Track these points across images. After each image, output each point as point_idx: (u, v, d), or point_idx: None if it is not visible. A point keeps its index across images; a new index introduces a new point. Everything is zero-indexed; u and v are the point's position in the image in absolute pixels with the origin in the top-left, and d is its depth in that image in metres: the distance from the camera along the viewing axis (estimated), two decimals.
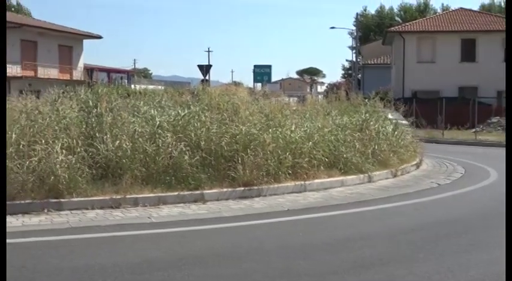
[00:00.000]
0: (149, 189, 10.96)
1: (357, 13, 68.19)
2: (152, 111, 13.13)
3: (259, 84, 43.57)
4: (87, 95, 13.63)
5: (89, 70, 54.32)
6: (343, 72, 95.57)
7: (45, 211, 9.90)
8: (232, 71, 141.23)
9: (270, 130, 12.97)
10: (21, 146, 10.55)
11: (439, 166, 17.81)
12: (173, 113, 13.09)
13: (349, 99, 19.36)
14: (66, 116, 12.03)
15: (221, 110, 13.86)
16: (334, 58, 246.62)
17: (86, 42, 55.36)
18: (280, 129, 13.18)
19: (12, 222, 9.25)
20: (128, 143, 11.33)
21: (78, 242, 8.23)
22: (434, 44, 46.74)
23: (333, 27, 73.29)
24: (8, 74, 44.31)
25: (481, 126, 35.68)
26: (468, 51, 45.96)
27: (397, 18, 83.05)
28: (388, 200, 11.94)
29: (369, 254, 7.59)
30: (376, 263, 7.13)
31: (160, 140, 11.67)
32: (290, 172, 12.49)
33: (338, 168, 13.68)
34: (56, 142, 10.77)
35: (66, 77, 50.04)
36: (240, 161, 11.84)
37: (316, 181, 12.85)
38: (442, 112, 34.87)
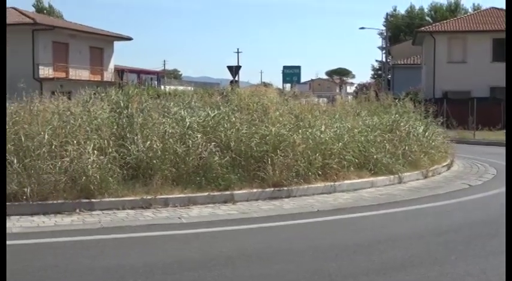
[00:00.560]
0: (179, 189, 11.00)
1: (386, 13, 67.73)
2: (182, 112, 13.17)
3: (288, 85, 43.44)
4: (118, 96, 13.69)
5: (120, 71, 54.80)
6: (372, 72, 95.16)
7: (77, 211, 9.99)
8: (261, 72, 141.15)
9: (300, 131, 12.94)
10: (53, 146, 10.65)
11: (471, 167, 17.61)
12: (203, 114, 13.13)
13: (379, 100, 19.24)
14: (98, 117, 12.11)
15: (251, 111, 13.85)
16: (363, 58, 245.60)
17: (117, 43, 55.79)
18: (310, 130, 13.14)
19: (45, 222, 9.38)
20: (158, 144, 11.38)
21: (110, 242, 8.30)
22: (465, 44, 46.22)
23: (362, 28, 73.29)
24: (40, 76, 44.93)
25: None
26: (500, 51, 45.29)
27: (427, 18, 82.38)
28: (419, 201, 11.83)
29: (399, 255, 7.53)
30: (407, 265, 7.06)
31: (190, 141, 11.71)
32: (320, 172, 12.45)
33: (368, 169, 13.61)
34: (88, 142, 10.86)
35: (97, 78, 50.44)
36: (269, 162, 11.82)
37: (346, 181, 12.79)
38: (473, 113, 34.49)
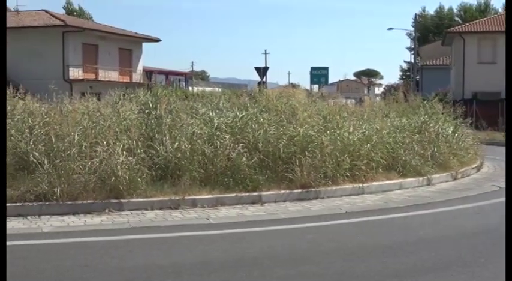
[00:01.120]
0: (207, 190, 11.03)
1: (415, 14, 67.21)
2: (210, 113, 13.23)
3: (316, 86, 43.31)
4: (147, 97, 13.80)
5: (148, 73, 55.08)
6: (401, 73, 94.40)
7: (106, 211, 10.07)
8: (289, 73, 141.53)
9: (328, 132, 12.90)
10: (83, 147, 10.76)
11: (501, 169, 17.39)
12: (231, 115, 13.16)
13: (408, 101, 19.11)
14: (127, 118, 12.21)
15: (279, 112, 13.85)
16: (391, 60, 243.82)
17: (145, 45, 56.07)
18: (338, 132, 13.09)
19: (75, 222, 9.47)
20: (186, 145, 11.43)
21: (138, 242, 8.34)
22: (495, 44, 45.64)
23: (390, 29, 72.28)
24: (70, 77, 45.36)
25: None
26: None
27: (456, 19, 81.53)
28: (448, 203, 11.72)
29: (429, 257, 7.46)
30: (437, 267, 7.00)
31: (218, 142, 11.74)
32: (348, 174, 12.39)
33: (397, 170, 13.52)
34: (117, 143, 10.94)
35: (126, 79, 50.77)
36: (297, 163, 11.80)
37: (375, 183, 12.72)
38: (503, 114, 34.05)
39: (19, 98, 12.99)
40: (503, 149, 25.23)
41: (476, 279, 6.56)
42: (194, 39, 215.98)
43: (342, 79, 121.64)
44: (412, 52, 63.23)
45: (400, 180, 13.28)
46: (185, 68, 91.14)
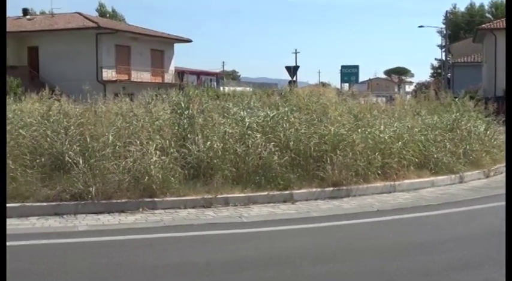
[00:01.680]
0: (239, 189, 11.05)
1: (446, 11, 66.72)
2: (241, 112, 13.23)
3: (346, 85, 43.13)
4: (179, 98, 13.84)
5: (180, 73, 55.36)
6: (431, 71, 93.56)
7: (140, 209, 10.13)
8: (319, 72, 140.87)
9: (359, 130, 12.84)
10: (117, 147, 10.84)
11: None
12: (262, 114, 13.15)
13: (439, 99, 18.91)
14: (159, 118, 12.30)
15: (309, 111, 13.82)
16: (422, 57, 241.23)
17: (177, 46, 56.38)
18: (369, 130, 13.02)
19: (110, 220, 9.56)
20: (218, 144, 11.46)
21: (172, 241, 8.40)
22: None
23: (421, 26, 71.56)
24: (103, 78, 45.80)
25: None
26: None
27: (488, 15, 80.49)
28: (481, 201, 11.58)
29: (461, 256, 7.39)
30: (470, 266, 6.93)
31: (250, 141, 11.75)
32: (379, 172, 12.32)
33: (428, 168, 13.40)
34: (150, 143, 11.01)
35: (158, 80, 51.12)
36: (329, 161, 11.77)
37: (406, 181, 12.62)
38: None
39: (55, 99, 13.15)
40: None
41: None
42: (225, 40, 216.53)
43: (372, 77, 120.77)
44: (443, 49, 62.72)
45: (431, 178, 13.16)
46: (216, 68, 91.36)
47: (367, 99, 18.56)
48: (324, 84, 29.57)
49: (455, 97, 18.56)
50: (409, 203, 11.22)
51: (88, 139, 11.00)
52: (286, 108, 13.62)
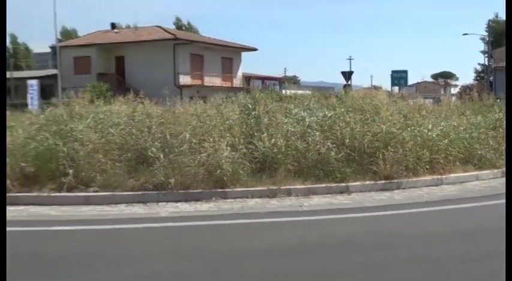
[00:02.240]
0: (300, 181, 11.01)
1: (488, 20, 64.76)
2: (302, 113, 13.18)
3: (396, 88, 42.43)
4: (246, 100, 13.88)
5: (247, 78, 55.50)
6: (475, 75, 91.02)
7: (213, 199, 10.20)
8: (371, 76, 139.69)
9: (409, 129, 12.61)
10: (193, 143, 10.96)
11: None
12: (320, 114, 13.07)
13: (482, 100, 18.42)
14: (229, 118, 12.37)
15: (363, 111, 13.65)
16: (466, 62, 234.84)
17: (244, 54, 56.63)
18: (418, 128, 12.78)
19: (187, 208, 9.68)
20: (282, 141, 11.45)
21: (241, 226, 8.42)
22: None
23: (465, 34, 70.12)
24: (180, 83, 46.39)
25: None
26: None
27: None
28: None
29: (501, 245, 7.15)
30: None
31: (309, 138, 11.70)
32: (427, 166, 12.07)
33: (473, 163, 13.06)
34: (222, 140, 11.10)
35: (228, 84, 51.42)
36: (381, 157, 11.60)
37: (452, 175, 12.33)
38: None
39: (139, 102, 13.38)
40: None
41: None
42: (287, 48, 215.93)
43: (420, 81, 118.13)
44: (486, 55, 60.93)
45: (476, 172, 12.81)
46: (279, 74, 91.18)
47: (415, 100, 18.19)
48: (375, 88, 29.20)
49: (497, 99, 18.06)
50: (455, 195, 10.96)
51: (168, 137, 11.16)
52: (342, 109, 13.51)
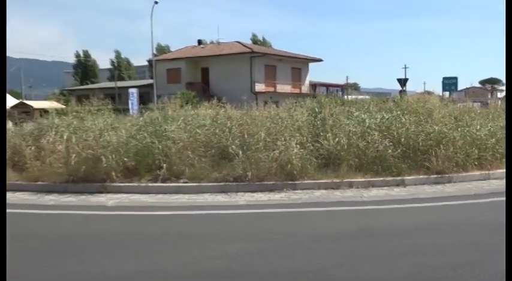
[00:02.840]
0: (361, 175, 10.85)
1: None
2: (362, 115, 13.00)
3: (447, 93, 41.16)
4: (313, 104, 13.84)
5: (313, 85, 55.28)
6: None
7: (284, 190, 10.21)
8: (424, 83, 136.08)
9: (459, 129, 12.20)
10: (267, 142, 11.02)
11: None
12: (379, 116, 12.85)
13: None
14: (298, 120, 12.36)
15: (417, 114, 13.32)
16: None
17: (311, 64, 56.36)
18: (467, 129, 12.35)
19: (262, 197, 9.71)
20: (344, 140, 11.34)
21: (309, 214, 8.39)
22: None
23: None
24: (256, 90, 46.67)
25: None
26: None
27: None
28: None
29: None
30: None
31: (369, 138, 11.52)
32: (476, 163, 11.64)
33: None
34: (292, 139, 11.10)
35: (296, 91, 51.30)
36: (433, 154, 11.29)
37: (499, 170, 11.80)
38: None
39: (221, 106, 13.58)
40: None
41: None
42: (349, 58, 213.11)
43: (469, 86, 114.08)
44: None
45: None
46: (341, 81, 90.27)
47: (465, 104, 17.59)
48: (428, 93, 28.37)
49: None
50: (501, 189, 10.42)
51: (246, 136, 11.26)
52: (398, 112, 13.23)
